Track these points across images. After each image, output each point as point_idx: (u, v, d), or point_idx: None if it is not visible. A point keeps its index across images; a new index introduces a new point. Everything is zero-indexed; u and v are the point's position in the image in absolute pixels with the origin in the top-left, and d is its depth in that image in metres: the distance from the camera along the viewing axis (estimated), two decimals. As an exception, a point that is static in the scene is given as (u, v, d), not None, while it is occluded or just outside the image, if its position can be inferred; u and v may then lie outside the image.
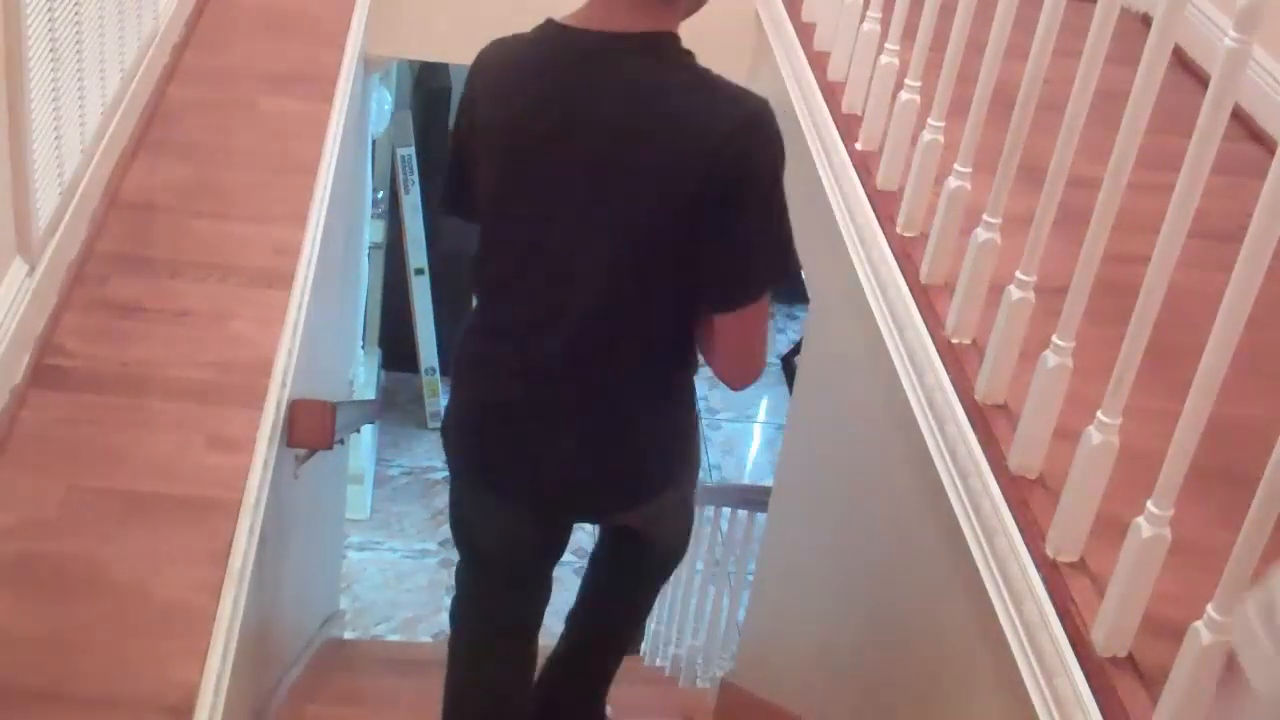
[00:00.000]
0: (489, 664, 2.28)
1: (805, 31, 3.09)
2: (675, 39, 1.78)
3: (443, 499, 5.58)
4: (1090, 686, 1.55)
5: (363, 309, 5.34)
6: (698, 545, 4.32)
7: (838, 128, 2.73)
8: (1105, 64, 1.70)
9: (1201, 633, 1.39)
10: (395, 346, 5.85)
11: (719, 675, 3.90)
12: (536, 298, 1.87)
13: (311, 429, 2.26)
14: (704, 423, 6.15)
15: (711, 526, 4.23)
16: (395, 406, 5.97)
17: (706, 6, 1.80)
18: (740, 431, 6.28)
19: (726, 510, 4.15)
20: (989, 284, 2.04)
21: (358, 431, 4.49)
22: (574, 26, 1.78)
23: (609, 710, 2.57)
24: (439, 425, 5.74)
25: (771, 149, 1.74)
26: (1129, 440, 1.63)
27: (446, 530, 5.51)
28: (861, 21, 2.73)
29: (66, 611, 1.64)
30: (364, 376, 5.40)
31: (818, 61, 2.95)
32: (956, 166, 2.14)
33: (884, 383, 2.27)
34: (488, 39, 1.89)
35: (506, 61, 1.86)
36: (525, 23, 1.76)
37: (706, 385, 6.40)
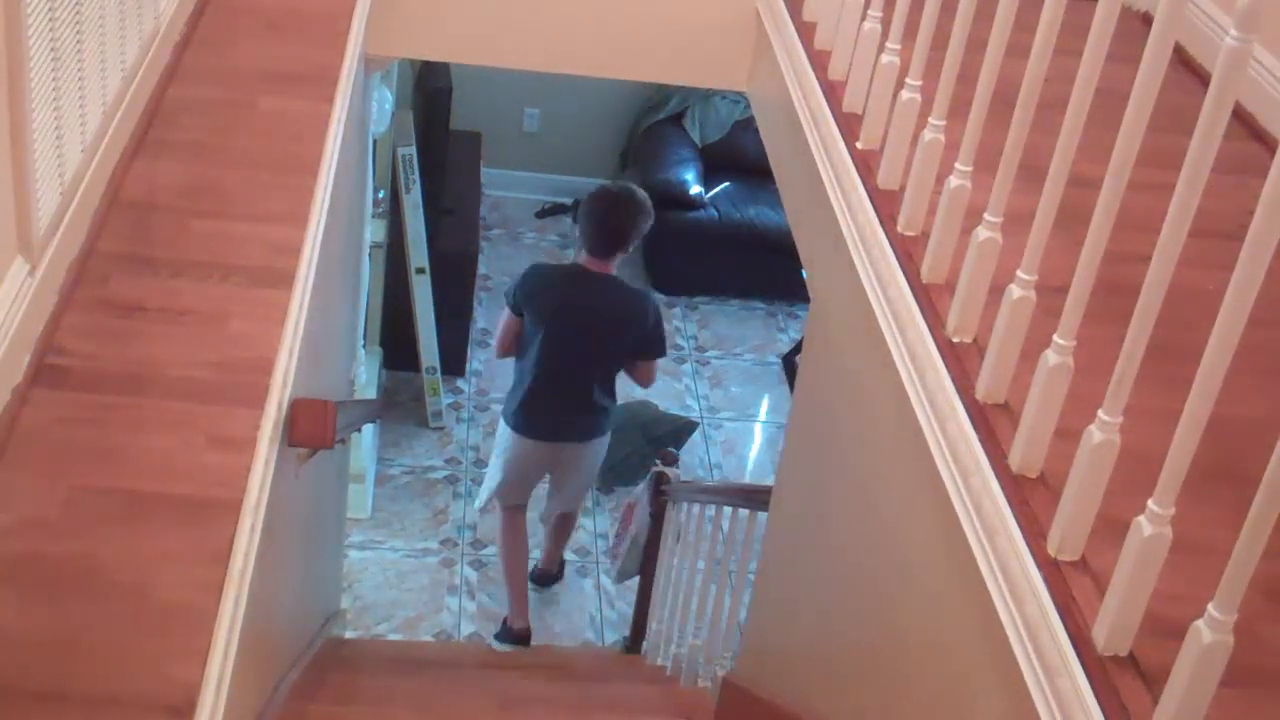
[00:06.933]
0: None
1: (806, 30, 3.09)
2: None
3: (442, 499, 5.61)
4: (1091, 685, 1.55)
5: (364, 308, 5.34)
6: (699, 544, 4.32)
7: (838, 127, 2.73)
8: (1106, 63, 1.70)
9: (1203, 631, 1.39)
10: (396, 345, 5.85)
11: (720, 674, 3.91)
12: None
13: (312, 428, 2.26)
14: (705, 422, 6.15)
15: (713, 525, 4.23)
16: (396, 405, 5.96)
17: (709, 6, 1.82)
18: (741, 430, 6.27)
19: (727, 509, 4.15)
20: (990, 283, 2.04)
21: (359, 430, 4.49)
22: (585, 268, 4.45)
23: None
24: (439, 424, 5.78)
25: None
26: (1130, 439, 1.63)
27: (447, 529, 5.55)
28: (862, 20, 2.73)
29: (67, 611, 1.64)
30: (365, 376, 5.39)
31: (819, 60, 2.95)
32: (957, 165, 2.14)
33: (885, 382, 2.27)
34: (488, 39, 1.90)
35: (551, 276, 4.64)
36: (523, 23, 1.77)
37: (708, 385, 6.41)
